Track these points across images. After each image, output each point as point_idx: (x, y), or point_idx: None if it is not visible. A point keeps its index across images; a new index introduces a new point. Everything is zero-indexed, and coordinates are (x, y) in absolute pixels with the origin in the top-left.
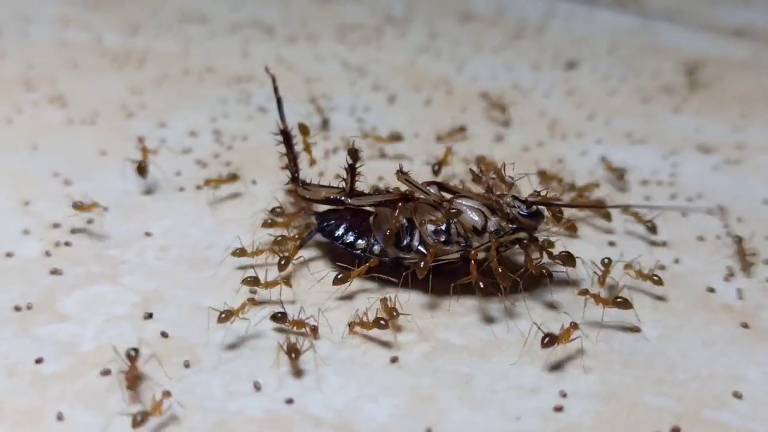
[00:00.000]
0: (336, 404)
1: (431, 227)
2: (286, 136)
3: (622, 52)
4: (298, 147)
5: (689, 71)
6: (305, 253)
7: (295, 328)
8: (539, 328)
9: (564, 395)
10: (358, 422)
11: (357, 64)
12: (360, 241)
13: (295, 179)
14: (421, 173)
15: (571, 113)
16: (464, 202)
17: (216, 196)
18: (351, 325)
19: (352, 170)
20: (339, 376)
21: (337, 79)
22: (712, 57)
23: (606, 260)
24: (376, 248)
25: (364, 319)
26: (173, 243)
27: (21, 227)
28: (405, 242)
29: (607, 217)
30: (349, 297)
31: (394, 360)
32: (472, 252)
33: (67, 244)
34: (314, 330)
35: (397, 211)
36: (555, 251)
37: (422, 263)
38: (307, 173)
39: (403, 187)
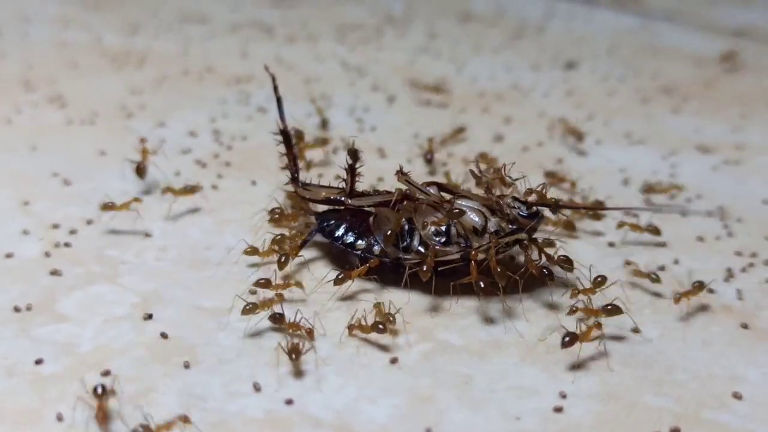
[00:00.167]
0: (335, 405)
1: (431, 228)
2: (285, 136)
3: (622, 52)
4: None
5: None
6: (305, 254)
7: (291, 330)
8: (563, 326)
9: (564, 396)
10: (358, 423)
11: (356, 64)
12: (360, 242)
13: (294, 179)
14: (421, 174)
15: (570, 113)
16: (464, 202)
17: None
18: (350, 327)
19: (351, 170)
20: (339, 377)
21: (337, 80)
22: (711, 57)
23: (599, 278)
24: (376, 249)
25: (363, 322)
26: (173, 243)
27: (20, 227)
28: (405, 243)
29: (597, 216)
30: (349, 297)
31: (393, 361)
32: (473, 253)
33: (66, 244)
34: (310, 332)
35: (400, 210)
36: (554, 254)
37: (425, 267)
38: (306, 173)
39: (403, 188)
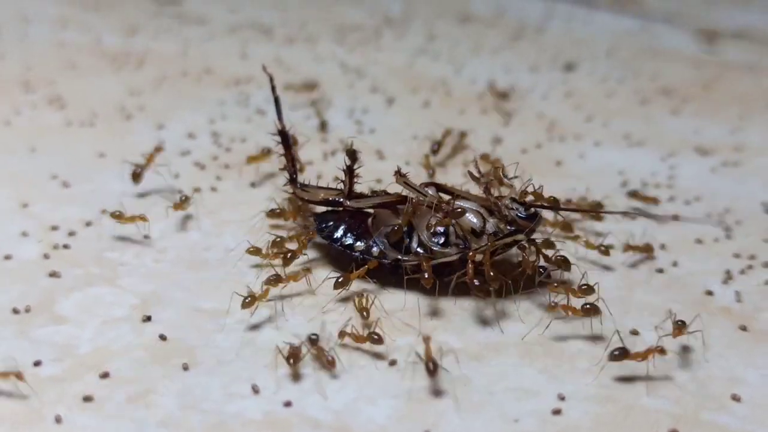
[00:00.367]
0: (334, 406)
1: (430, 230)
2: (284, 137)
3: (621, 54)
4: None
5: (498, 94)
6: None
7: (314, 352)
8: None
9: (562, 398)
10: (357, 424)
11: (355, 65)
12: (359, 243)
13: (293, 180)
14: (420, 175)
15: (569, 115)
16: (462, 203)
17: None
18: (341, 334)
19: (350, 171)
20: (337, 379)
21: (336, 81)
22: (710, 59)
23: (584, 286)
24: (375, 250)
25: (355, 331)
26: (171, 245)
27: (19, 229)
28: (404, 244)
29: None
30: (348, 299)
31: (392, 363)
32: (470, 254)
33: (65, 246)
34: (331, 363)
35: (408, 206)
36: (552, 254)
37: (426, 275)
38: (305, 174)
39: (405, 192)
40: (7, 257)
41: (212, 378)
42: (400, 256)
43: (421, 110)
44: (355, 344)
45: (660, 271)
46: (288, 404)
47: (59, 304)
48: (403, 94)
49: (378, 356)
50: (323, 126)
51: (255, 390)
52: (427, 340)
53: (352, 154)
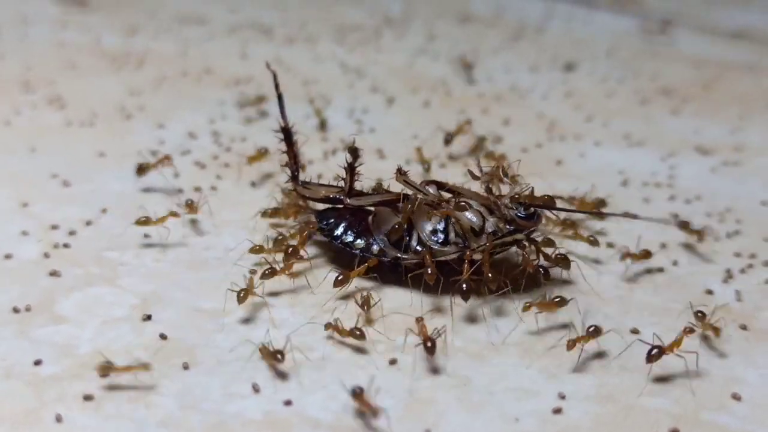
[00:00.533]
0: (334, 406)
1: (429, 228)
2: (286, 133)
3: (621, 54)
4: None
5: (465, 63)
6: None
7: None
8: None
9: (562, 397)
10: (357, 424)
11: (355, 65)
12: (359, 241)
13: (294, 178)
14: (420, 174)
15: (569, 115)
16: (462, 202)
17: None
18: (327, 325)
19: (351, 169)
20: (337, 378)
21: (336, 81)
22: (710, 59)
23: (557, 299)
24: (375, 248)
25: (341, 325)
26: (171, 245)
27: (19, 229)
28: (404, 242)
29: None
30: (348, 297)
31: (392, 362)
32: (467, 253)
33: (65, 245)
34: (375, 412)
35: (407, 204)
36: (552, 253)
37: (429, 270)
38: (305, 173)
39: (405, 190)
40: (8, 257)
41: (212, 377)
42: (399, 255)
43: (421, 110)
44: (338, 338)
45: (660, 270)
46: (288, 403)
47: (59, 304)
48: (403, 94)
49: (378, 355)
50: (322, 125)
51: (255, 389)
52: (420, 320)
53: (353, 152)
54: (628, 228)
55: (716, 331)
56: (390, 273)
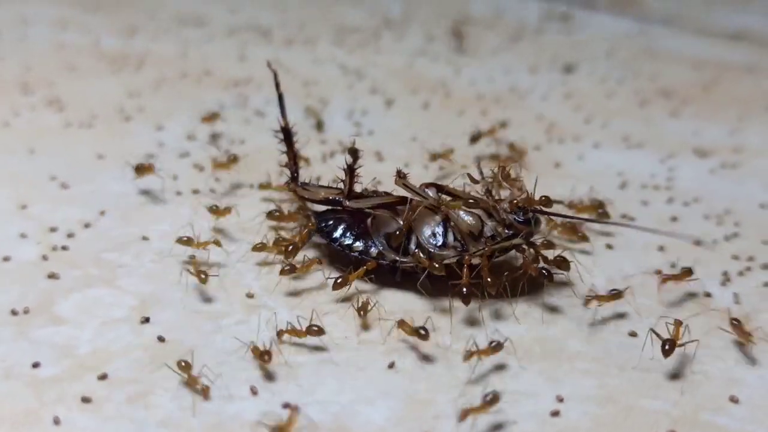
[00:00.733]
0: (333, 408)
1: (428, 231)
2: (286, 134)
3: (620, 55)
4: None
5: (456, 31)
6: (302, 255)
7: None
8: (656, 334)
9: (561, 399)
10: (355, 425)
11: (355, 67)
12: (358, 243)
13: (294, 179)
14: (420, 177)
15: (568, 116)
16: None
17: (170, 211)
18: (279, 333)
19: (351, 171)
20: (336, 380)
21: (335, 82)
22: (709, 61)
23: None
24: (374, 251)
25: (297, 326)
26: (170, 246)
27: (18, 231)
28: (402, 245)
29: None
30: (347, 300)
31: (391, 365)
32: (466, 257)
33: (64, 247)
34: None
35: (408, 211)
36: (551, 255)
37: (436, 264)
38: (305, 174)
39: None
40: (6, 258)
41: (211, 379)
42: (398, 258)
43: (421, 112)
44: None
45: (658, 272)
46: (286, 405)
47: (58, 306)
48: (403, 95)
49: (377, 357)
50: (319, 126)
51: (253, 391)
52: (401, 324)
53: (353, 153)
54: (623, 231)
55: (748, 337)
56: (389, 274)
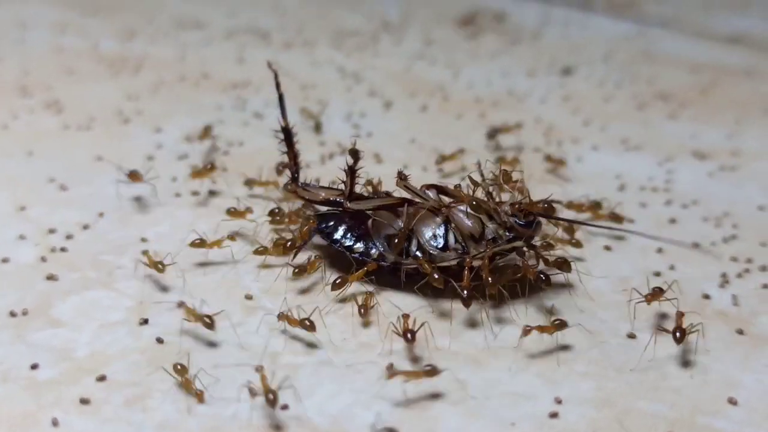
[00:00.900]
0: (331, 410)
1: (429, 233)
2: (287, 134)
3: (618, 58)
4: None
5: (465, 21)
6: (303, 256)
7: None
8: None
9: (559, 401)
10: (353, 428)
11: (353, 70)
12: (358, 245)
13: (294, 179)
14: (418, 178)
15: (567, 119)
16: (463, 207)
17: (169, 213)
18: (280, 315)
19: (351, 172)
20: (334, 383)
21: (333, 85)
22: (707, 64)
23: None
24: (374, 252)
25: (292, 314)
26: (169, 248)
27: (17, 233)
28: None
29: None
30: (347, 300)
31: (389, 367)
32: (467, 260)
33: (62, 249)
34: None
35: (407, 216)
36: (551, 256)
37: (435, 275)
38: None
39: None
40: (5, 260)
41: (210, 381)
42: (398, 259)
43: (419, 114)
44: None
45: (657, 274)
46: (285, 408)
47: (56, 308)
48: (401, 98)
49: (376, 359)
50: (318, 127)
51: (252, 393)
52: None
53: (354, 154)
54: (622, 233)
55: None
56: (389, 275)
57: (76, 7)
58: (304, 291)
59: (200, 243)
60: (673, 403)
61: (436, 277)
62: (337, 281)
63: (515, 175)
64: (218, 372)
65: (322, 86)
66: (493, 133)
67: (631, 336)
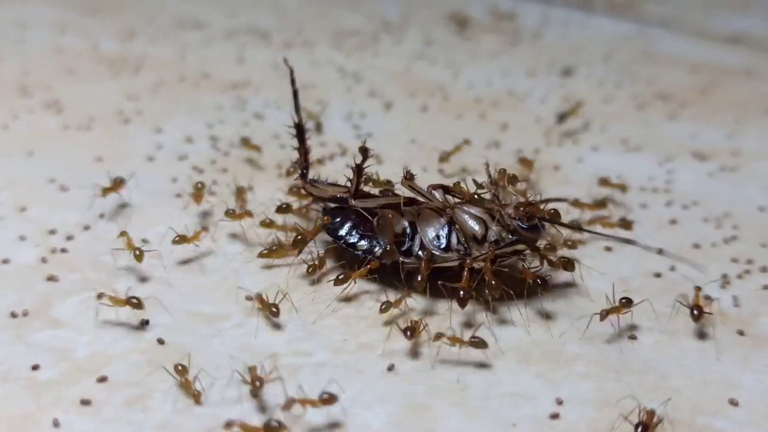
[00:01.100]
0: (331, 411)
1: (432, 233)
2: (299, 130)
3: (618, 58)
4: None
5: (459, 21)
6: (304, 255)
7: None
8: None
9: (560, 402)
10: (354, 429)
11: (353, 70)
12: (362, 242)
13: (304, 175)
14: (419, 179)
15: (567, 119)
16: (467, 208)
17: (169, 214)
18: (257, 296)
19: (359, 170)
20: (334, 383)
21: (333, 86)
22: (707, 64)
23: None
24: (378, 250)
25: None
26: (168, 249)
27: (17, 233)
28: (406, 246)
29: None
30: (349, 299)
31: (390, 368)
32: (468, 261)
33: (63, 250)
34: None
35: (387, 222)
36: (555, 256)
37: (419, 277)
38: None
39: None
40: (5, 261)
41: (209, 382)
42: (401, 258)
43: (419, 115)
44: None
45: (657, 275)
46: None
47: (56, 308)
48: (401, 98)
49: (376, 360)
50: (318, 128)
51: (252, 394)
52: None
53: (364, 152)
54: (627, 232)
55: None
56: (392, 274)
57: (76, 7)
58: (303, 292)
59: (180, 239)
60: (674, 403)
61: (419, 278)
62: (340, 277)
63: (522, 177)
64: (219, 373)
65: (322, 86)
66: (561, 117)
67: (632, 337)
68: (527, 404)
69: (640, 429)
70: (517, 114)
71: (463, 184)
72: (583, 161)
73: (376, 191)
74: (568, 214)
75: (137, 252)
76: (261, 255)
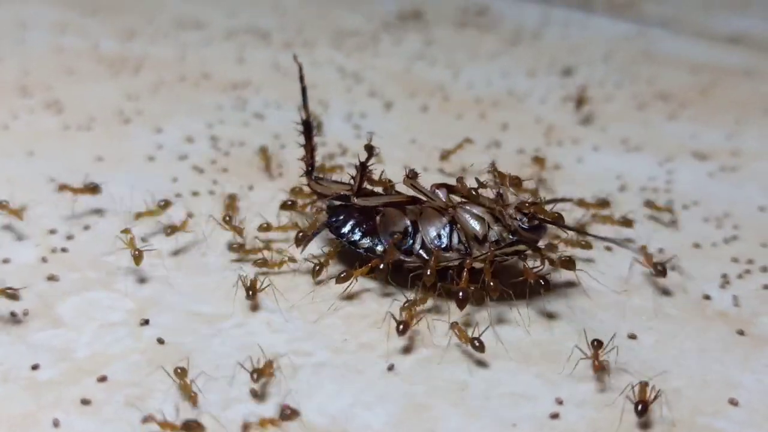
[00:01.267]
0: (331, 411)
1: (434, 232)
2: (307, 127)
3: (618, 58)
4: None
5: (579, 99)
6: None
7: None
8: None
9: (560, 402)
10: (354, 429)
11: (353, 70)
12: (365, 240)
13: (309, 172)
14: (420, 179)
15: (567, 119)
16: (470, 208)
17: (169, 215)
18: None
19: (363, 167)
20: (334, 383)
21: (333, 86)
22: (707, 64)
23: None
24: (380, 249)
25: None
26: (168, 249)
27: (17, 233)
28: (407, 246)
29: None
30: (351, 297)
31: (390, 368)
32: (467, 261)
33: (63, 250)
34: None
35: (382, 223)
36: (555, 256)
37: (428, 272)
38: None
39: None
40: (5, 261)
41: (210, 382)
42: (403, 258)
43: (419, 115)
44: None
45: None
46: (285, 409)
47: (57, 308)
48: (401, 98)
49: (376, 360)
50: (318, 128)
51: (253, 394)
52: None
53: (369, 149)
54: (624, 233)
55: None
56: (394, 272)
57: (76, 7)
58: (303, 293)
59: (172, 230)
60: (674, 403)
61: (428, 273)
62: (342, 275)
63: (526, 177)
64: (219, 373)
65: (322, 86)
66: (580, 102)
67: (632, 336)
68: (527, 404)
69: (640, 407)
70: (517, 114)
71: (465, 182)
72: (583, 161)
73: (376, 190)
74: (571, 213)
75: (136, 253)
76: (256, 264)
